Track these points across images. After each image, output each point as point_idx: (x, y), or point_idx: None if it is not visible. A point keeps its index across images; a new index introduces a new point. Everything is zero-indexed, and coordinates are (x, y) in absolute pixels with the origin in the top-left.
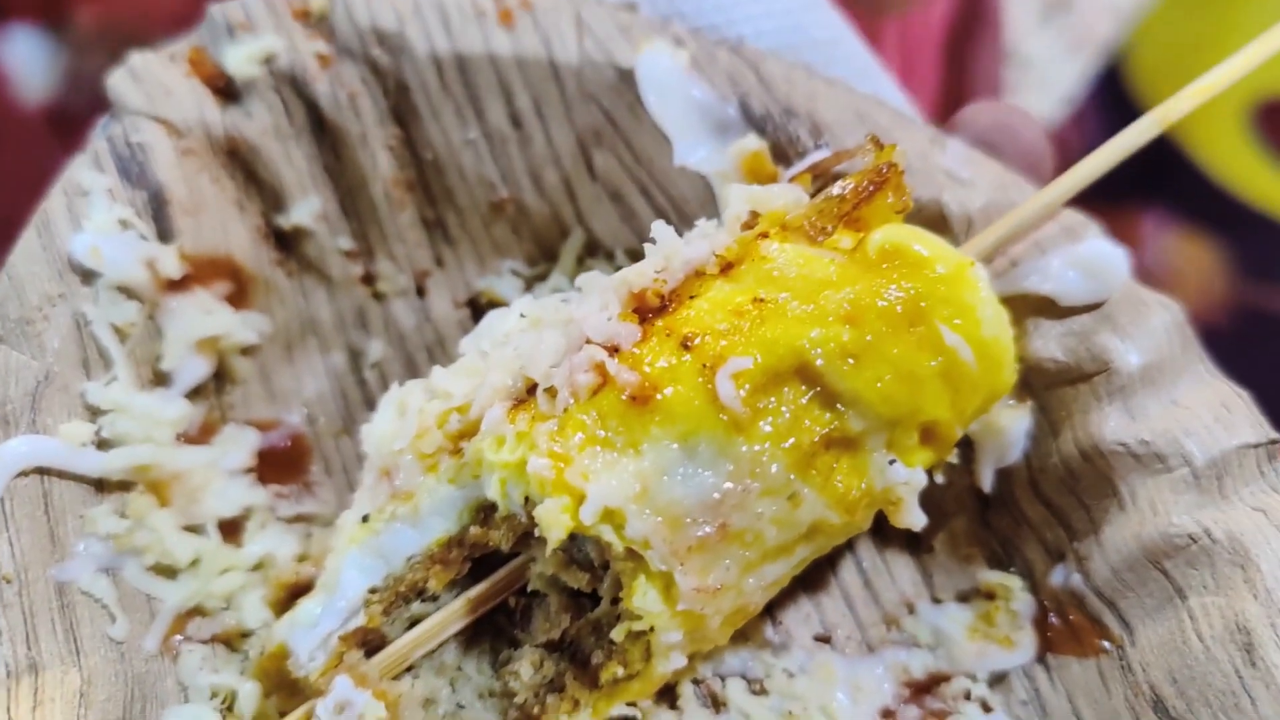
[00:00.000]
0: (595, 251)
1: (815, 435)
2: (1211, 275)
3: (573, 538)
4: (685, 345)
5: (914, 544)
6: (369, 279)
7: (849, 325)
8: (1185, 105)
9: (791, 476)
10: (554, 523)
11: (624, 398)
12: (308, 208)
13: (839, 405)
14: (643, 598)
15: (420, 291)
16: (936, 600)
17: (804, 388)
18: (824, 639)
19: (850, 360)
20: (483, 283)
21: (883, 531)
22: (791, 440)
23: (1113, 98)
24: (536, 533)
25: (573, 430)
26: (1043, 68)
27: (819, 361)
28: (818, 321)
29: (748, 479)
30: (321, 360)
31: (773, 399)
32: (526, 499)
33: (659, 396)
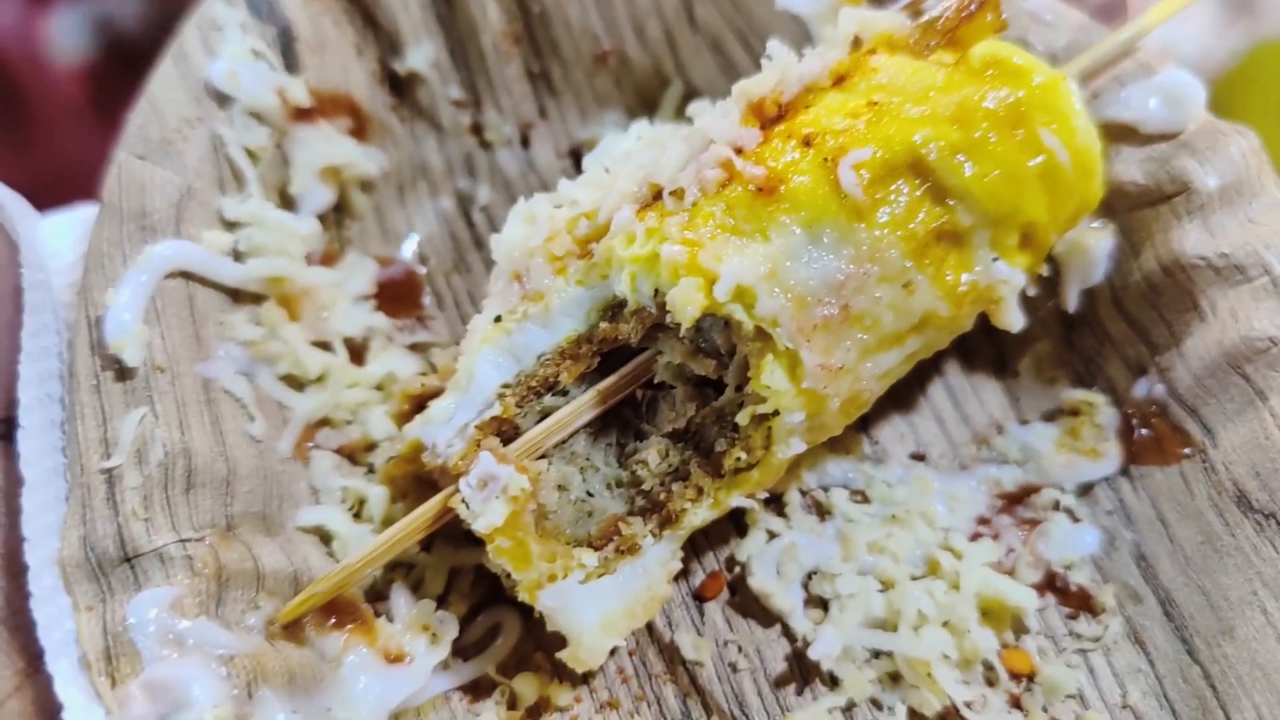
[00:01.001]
0: (694, 102)
1: (928, 226)
2: None
3: (698, 329)
4: (806, 143)
5: (1000, 369)
6: (477, 128)
7: (957, 125)
8: None
9: (907, 264)
10: (688, 301)
11: (751, 189)
12: (421, 54)
13: (949, 200)
14: (770, 375)
15: (525, 141)
16: (1023, 421)
17: (918, 181)
18: (919, 457)
19: (960, 156)
20: (585, 133)
21: (969, 358)
22: (907, 229)
23: None
24: (667, 321)
25: (703, 220)
26: None
27: (931, 156)
28: (929, 121)
29: (868, 263)
30: (431, 203)
31: (890, 190)
32: (656, 291)
33: (784, 186)
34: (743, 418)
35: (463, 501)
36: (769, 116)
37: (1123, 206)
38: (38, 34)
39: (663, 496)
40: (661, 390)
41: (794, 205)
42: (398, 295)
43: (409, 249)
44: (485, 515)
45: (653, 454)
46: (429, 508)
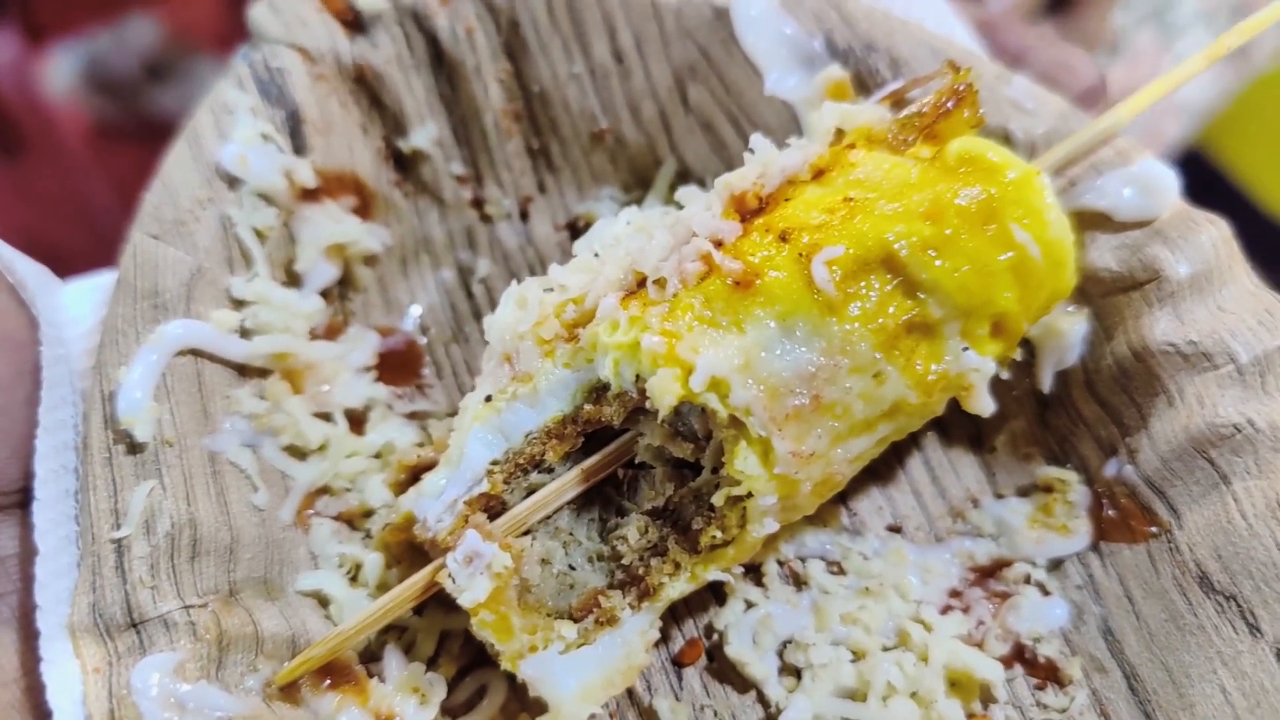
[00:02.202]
0: (687, 180)
1: (899, 319)
2: None
3: (677, 413)
4: (783, 238)
5: (977, 444)
6: (478, 203)
7: (930, 221)
8: (1234, 40)
9: (878, 355)
10: (666, 390)
11: (728, 282)
12: (425, 133)
13: (920, 293)
14: (744, 461)
15: (524, 215)
16: (999, 495)
17: (889, 276)
18: (895, 529)
19: (931, 252)
20: (581, 208)
21: (947, 433)
22: (878, 322)
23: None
24: (647, 406)
25: (682, 312)
26: None
27: (903, 252)
28: (902, 217)
29: (839, 355)
30: (433, 275)
31: (861, 285)
32: (637, 377)
33: (760, 281)
34: (718, 498)
35: (449, 576)
36: (750, 209)
37: (1097, 292)
38: (35, 73)
39: (641, 571)
40: (642, 470)
41: (769, 299)
42: (399, 364)
43: (411, 319)
44: (470, 590)
45: (633, 530)
46: (419, 579)
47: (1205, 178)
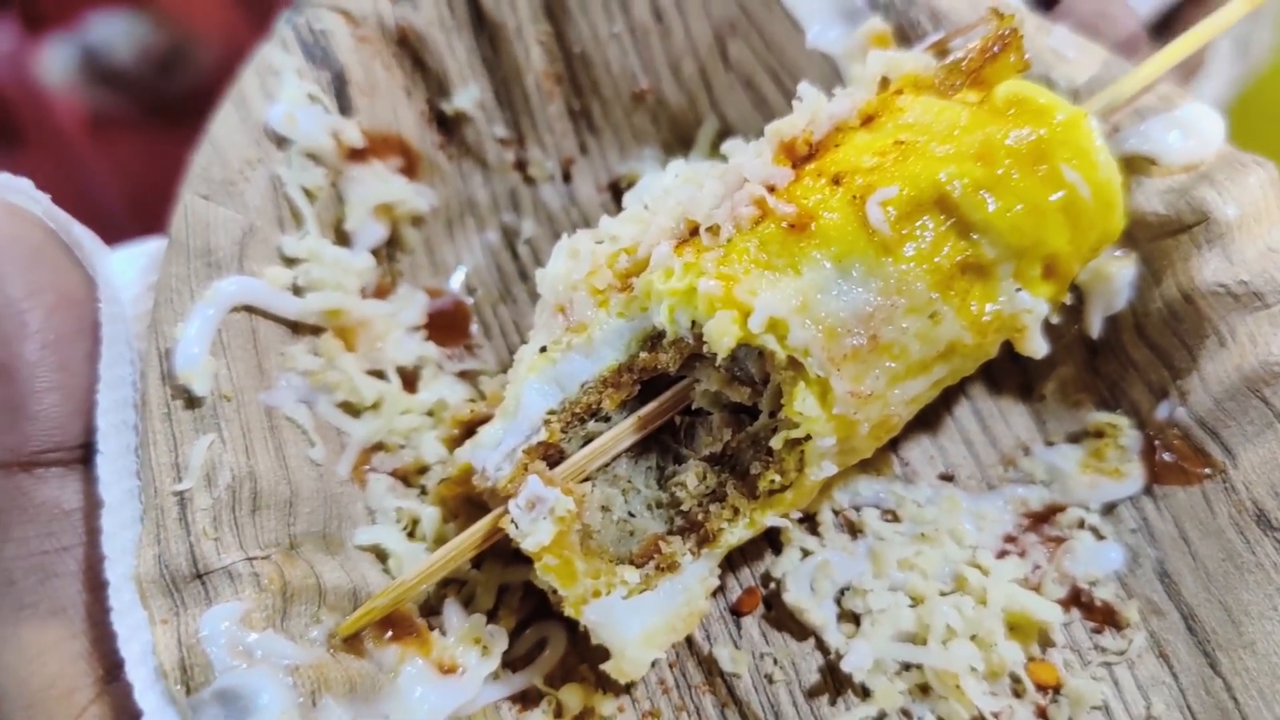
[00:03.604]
0: (728, 137)
1: (953, 259)
2: None
3: (734, 358)
4: (836, 181)
5: (1026, 393)
6: (521, 165)
7: (981, 162)
8: None
9: (933, 295)
10: (724, 332)
11: (783, 226)
12: (468, 95)
13: (973, 234)
14: (802, 403)
15: (566, 177)
16: (1049, 442)
17: (943, 217)
18: (948, 477)
19: (984, 192)
20: (624, 168)
21: (997, 383)
22: (933, 262)
23: None
24: (704, 351)
25: (738, 256)
26: None
27: (956, 193)
28: (954, 159)
29: (895, 295)
30: (478, 237)
31: (916, 226)
32: (693, 323)
33: (815, 223)
34: (776, 442)
35: (512, 522)
36: (800, 156)
37: (1144, 236)
38: (33, 63)
39: (700, 517)
40: (699, 416)
41: (824, 241)
42: (447, 325)
43: (457, 281)
44: (533, 535)
45: (691, 476)
46: (479, 528)
47: None
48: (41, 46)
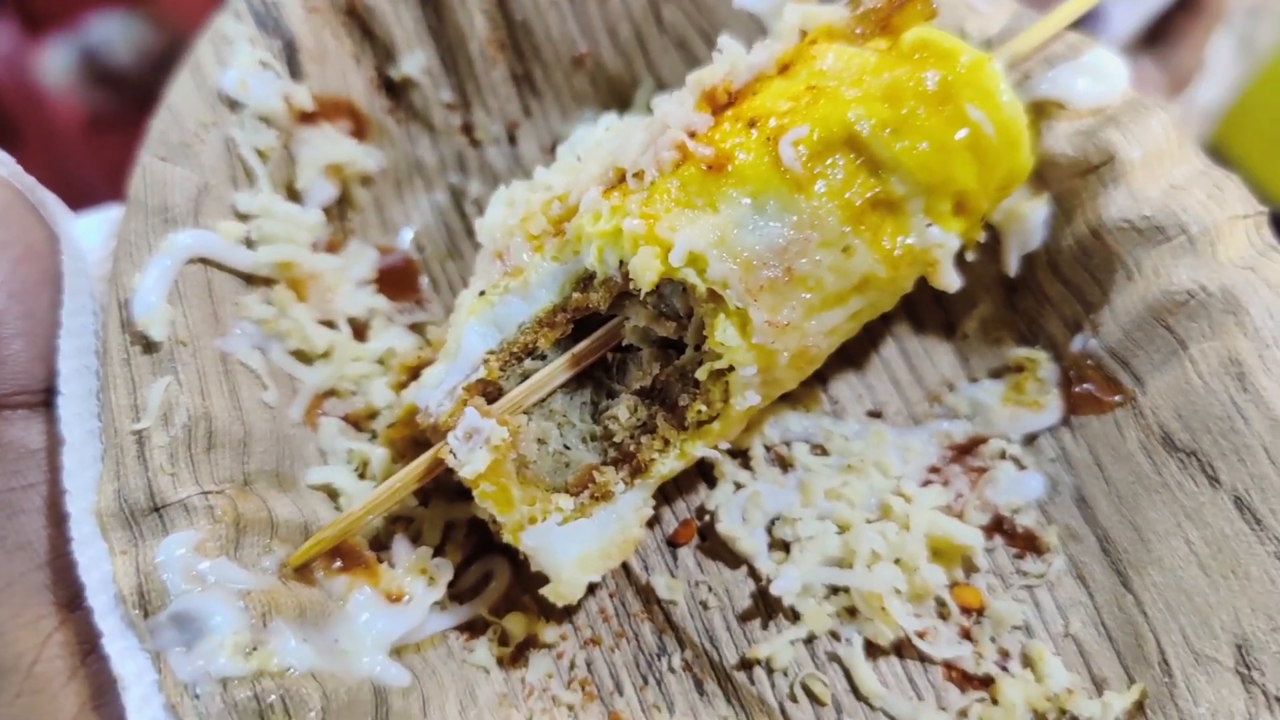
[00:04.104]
0: None
1: (864, 195)
2: None
3: (659, 293)
4: (752, 125)
5: (949, 332)
6: (467, 128)
7: (888, 103)
8: None
9: (845, 229)
10: (647, 267)
11: (702, 168)
12: (414, 61)
13: (883, 171)
14: (723, 333)
15: (511, 139)
16: (973, 378)
17: (853, 155)
18: (875, 414)
19: (890, 131)
20: (565, 129)
21: (921, 323)
22: (844, 198)
23: None
24: (631, 289)
25: (660, 197)
26: None
27: (864, 132)
28: (862, 101)
29: (808, 229)
30: (426, 197)
31: (827, 164)
32: (620, 262)
33: (731, 164)
34: (702, 374)
35: (451, 452)
36: (720, 103)
37: (1055, 177)
38: (31, 64)
39: (633, 448)
40: (629, 352)
41: (740, 180)
42: (397, 280)
43: (406, 238)
44: (470, 463)
45: (623, 410)
46: (422, 461)
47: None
48: (40, 47)
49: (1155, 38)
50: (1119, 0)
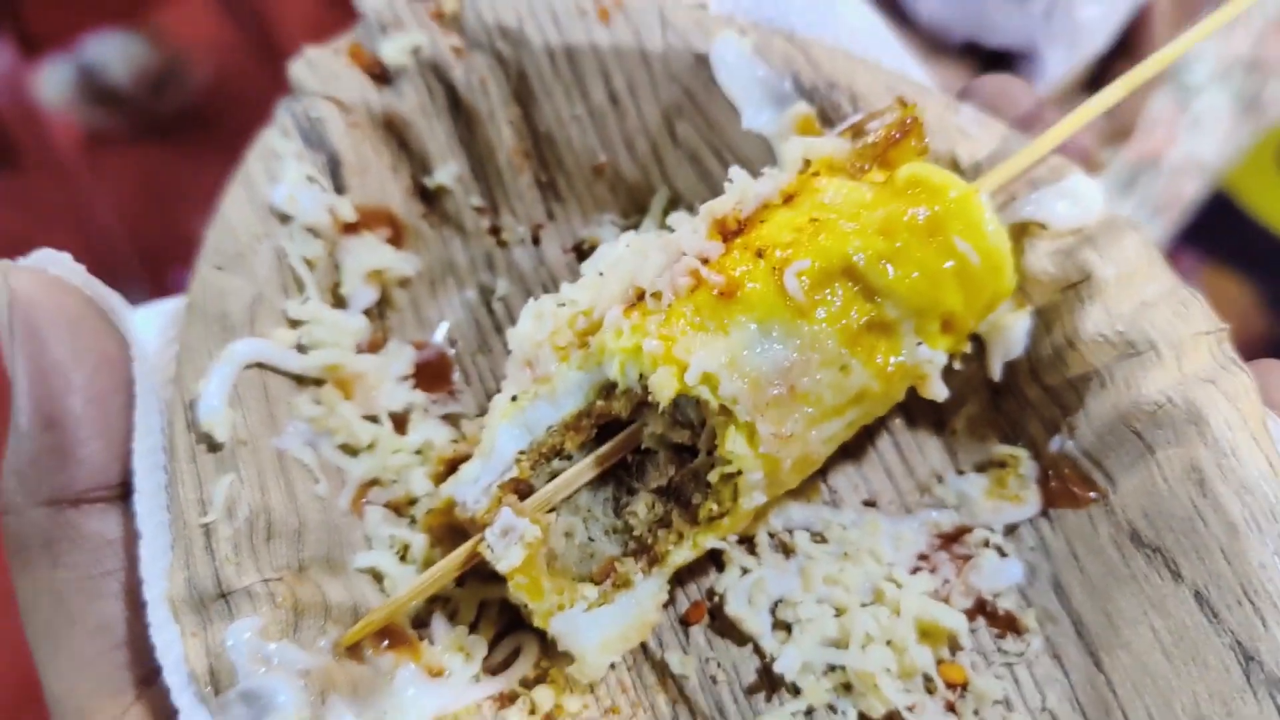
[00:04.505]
0: (677, 205)
1: (860, 320)
2: (1247, 312)
3: (677, 403)
4: (759, 254)
5: (940, 428)
6: (495, 230)
7: (883, 236)
8: (1150, 69)
9: (843, 351)
10: (665, 385)
11: (714, 294)
12: (447, 171)
13: (877, 297)
14: (733, 443)
15: (536, 240)
16: (960, 471)
17: (850, 284)
18: (870, 503)
19: (884, 262)
20: (586, 232)
21: (913, 420)
22: (842, 323)
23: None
24: (650, 399)
25: (675, 319)
26: None
27: (861, 263)
28: (859, 234)
29: (810, 352)
30: (458, 295)
31: (827, 292)
32: (640, 375)
33: (740, 291)
34: (714, 476)
35: (488, 547)
36: (730, 230)
37: (1037, 292)
38: (28, 84)
39: (650, 540)
40: (648, 455)
41: (748, 306)
42: (432, 374)
43: (440, 334)
44: (506, 558)
45: (642, 506)
46: (461, 552)
47: (1229, 218)
48: (38, 67)
49: (1095, 83)
50: (1055, 44)
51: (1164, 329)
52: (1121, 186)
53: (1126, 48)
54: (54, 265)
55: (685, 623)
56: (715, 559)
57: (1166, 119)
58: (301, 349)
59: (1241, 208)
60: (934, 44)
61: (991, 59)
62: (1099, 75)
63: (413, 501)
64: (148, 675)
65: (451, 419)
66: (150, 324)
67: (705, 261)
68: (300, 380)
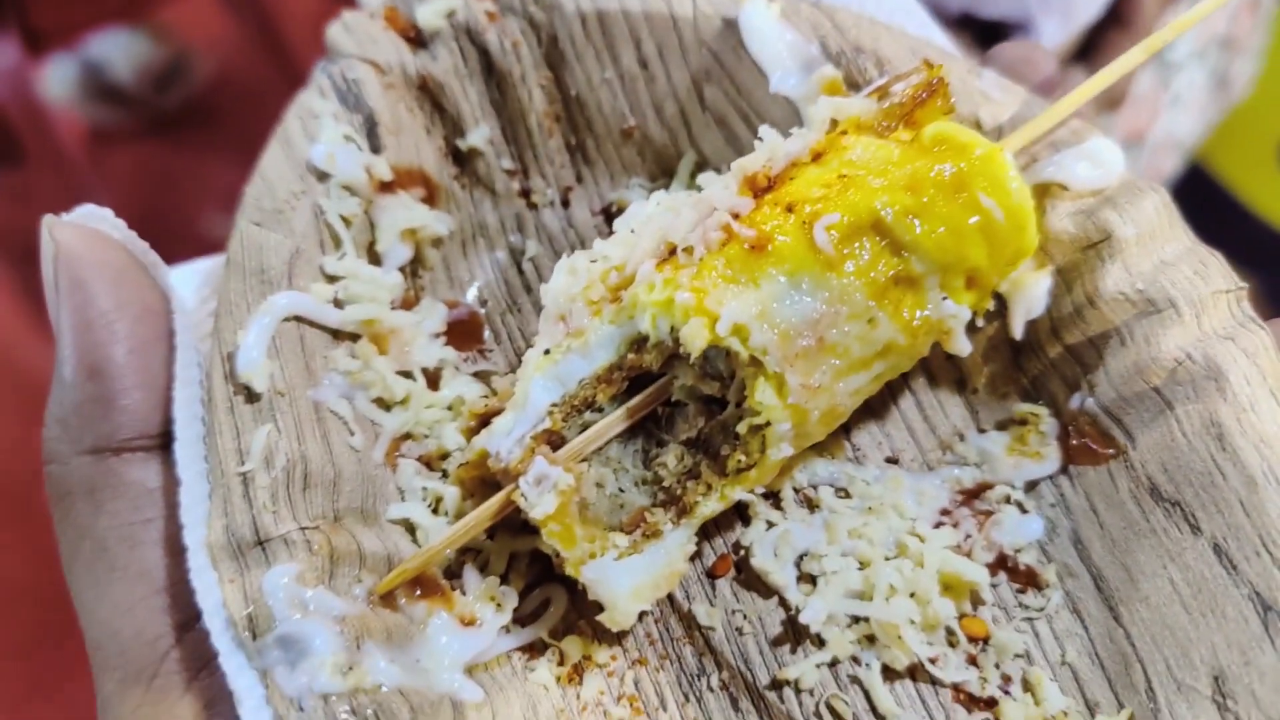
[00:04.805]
0: (704, 169)
1: (887, 274)
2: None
3: (706, 356)
4: (789, 209)
5: (961, 387)
6: (525, 193)
7: (910, 191)
8: (1170, 34)
9: (870, 304)
10: (696, 336)
11: (745, 247)
12: (480, 134)
13: (904, 252)
14: (762, 394)
15: (565, 203)
16: (981, 430)
17: (878, 238)
18: (893, 460)
19: (911, 217)
20: (614, 195)
21: (936, 378)
22: (869, 276)
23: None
24: (681, 352)
25: (707, 272)
26: None
27: (889, 218)
28: (887, 189)
29: (838, 304)
30: (489, 255)
31: (855, 246)
32: (672, 328)
33: (771, 245)
34: (742, 428)
35: (522, 495)
36: (760, 187)
37: (1058, 251)
38: (33, 80)
39: (679, 492)
40: (678, 407)
41: (779, 259)
42: (464, 333)
43: (472, 294)
44: (540, 506)
45: (671, 458)
46: (495, 501)
47: (1205, 191)
48: (43, 65)
49: (1087, 51)
50: (1049, 14)
51: (1183, 287)
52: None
53: (1117, 17)
54: (96, 220)
55: (712, 575)
56: (741, 513)
57: (1150, 96)
58: (338, 303)
59: (1243, 203)
60: (930, 15)
61: (987, 30)
62: (1089, 44)
63: (445, 455)
64: (187, 620)
65: (482, 376)
66: (186, 283)
67: (736, 216)
68: (336, 334)
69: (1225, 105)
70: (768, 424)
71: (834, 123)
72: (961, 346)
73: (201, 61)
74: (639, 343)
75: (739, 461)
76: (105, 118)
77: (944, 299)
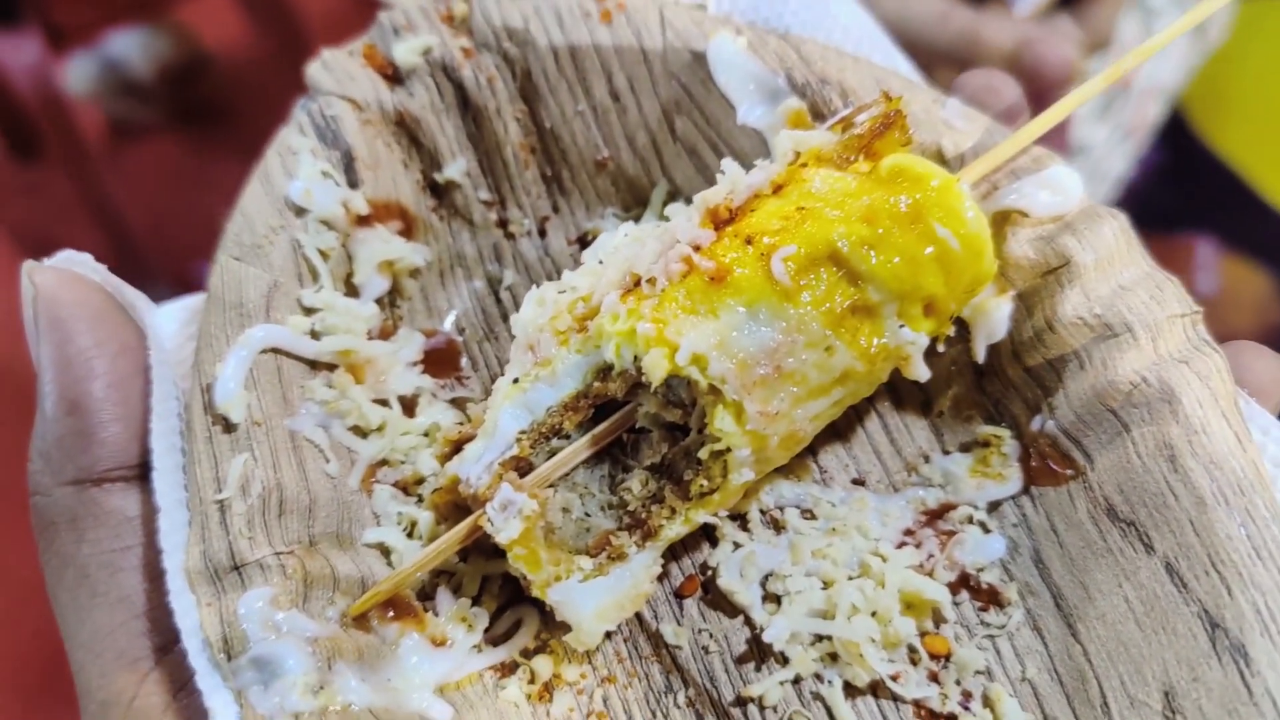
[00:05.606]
0: (676, 198)
1: (844, 303)
2: (1267, 300)
3: (669, 383)
4: (748, 241)
5: (926, 409)
6: (502, 223)
7: (867, 223)
8: (1132, 62)
9: (827, 333)
10: (657, 366)
11: (705, 279)
12: (457, 166)
13: (860, 282)
14: (722, 421)
15: (542, 232)
16: (945, 451)
17: (835, 269)
18: (859, 482)
19: (867, 248)
20: (590, 224)
21: (901, 401)
22: (826, 306)
23: (1171, 137)
24: (644, 380)
25: (669, 303)
26: (1098, 156)
27: (845, 249)
28: (843, 221)
29: (795, 333)
30: (466, 285)
31: (812, 277)
32: (635, 357)
33: (730, 276)
34: (704, 454)
35: (488, 520)
36: (722, 219)
37: (1019, 277)
38: (54, 76)
39: (644, 515)
40: (642, 433)
41: (737, 291)
42: (441, 360)
43: (449, 322)
44: (505, 530)
45: (636, 483)
46: (464, 526)
47: (1187, 149)
48: (64, 61)
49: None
50: None
51: (1140, 311)
52: (1099, 111)
53: None
54: (76, 264)
55: (679, 595)
56: (709, 535)
57: (1136, 44)
58: (315, 335)
59: (1260, 197)
60: (896, 44)
61: None
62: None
63: (420, 481)
64: (165, 644)
65: (458, 403)
66: (172, 318)
67: (697, 248)
68: (314, 365)
69: (1205, 50)
70: (728, 450)
71: (796, 154)
72: (920, 372)
73: (219, 60)
74: (604, 371)
75: (701, 486)
76: (124, 114)
77: (901, 327)
